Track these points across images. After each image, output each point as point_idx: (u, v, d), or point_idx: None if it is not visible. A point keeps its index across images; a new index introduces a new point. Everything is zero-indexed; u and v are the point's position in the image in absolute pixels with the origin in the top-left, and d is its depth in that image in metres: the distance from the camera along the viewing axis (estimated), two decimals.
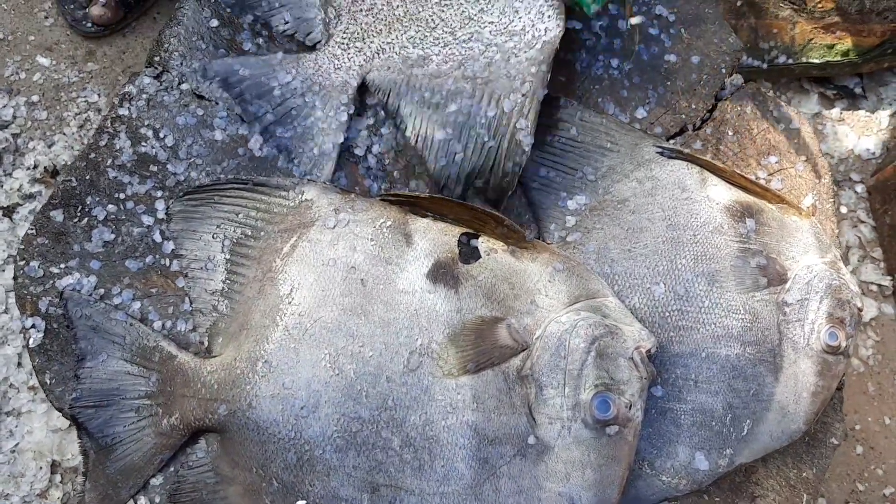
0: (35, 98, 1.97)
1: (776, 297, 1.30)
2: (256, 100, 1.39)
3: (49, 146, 1.94)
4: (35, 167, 1.91)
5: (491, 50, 1.38)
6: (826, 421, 1.39)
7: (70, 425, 1.72)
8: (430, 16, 1.41)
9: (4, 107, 1.95)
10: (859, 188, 2.10)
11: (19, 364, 1.77)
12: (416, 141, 1.38)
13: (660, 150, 1.38)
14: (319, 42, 1.45)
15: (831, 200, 1.47)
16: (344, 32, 1.42)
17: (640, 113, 1.47)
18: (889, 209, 2.00)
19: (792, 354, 1.29)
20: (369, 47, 1.42)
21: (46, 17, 2.04)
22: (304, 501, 1.18)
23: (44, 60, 2.01)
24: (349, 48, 1.42)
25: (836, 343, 1.29)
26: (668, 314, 1.30)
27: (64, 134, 1.95)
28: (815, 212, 1.44)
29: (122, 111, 1.37)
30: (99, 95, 1.99)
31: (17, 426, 1.73)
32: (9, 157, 1.92)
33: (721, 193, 1.35)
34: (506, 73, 1.36)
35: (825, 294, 1.30)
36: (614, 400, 1.18)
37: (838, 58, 2.06)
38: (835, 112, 2.19)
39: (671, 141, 1.46)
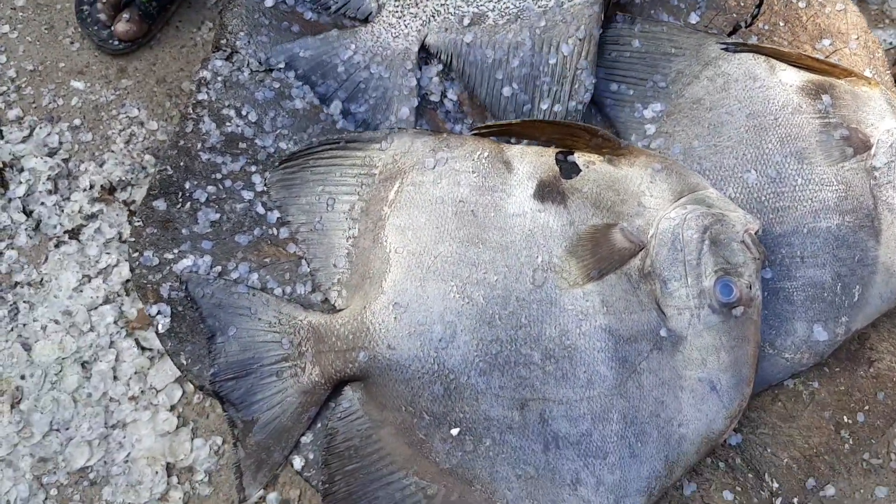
0: (77, 122, 1.99)
1: (864, 164, 1.34)
2: (323, 79, 1.41)
3: (100, 165, 1.95)
4: (91, 187, 1.93)
5: None
6: None
7: (177, 427, 1.74)
8: None
9: (49, 134, 1.97)
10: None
11: (115, 378, 1.79)
12: (484, 99, 1.41)
13: (724, 46, 1.42)
14: (371, 13, 1.47)
15: (888, 73, 1.51)
16: (395, 0, 1.45)
17: (693, 18, 1.50)
18: None
19: (888, 216, 1.33)
20: (424, 11, 1.44)
21: (72, 43, 2.06)
22: (458, 429, 1.21)
23: (78, 84, 2.02)
24: (404, 15, 1.44)
25: None
26: (763, 198, 1.34)
27: (112, 151, 1.97)
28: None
29: (202, 96, 1.40)
30: (139, 109, 2.01)
31: (125, 437, 1.75)
32: (63, 181, 1.94)
33: (792, 76, 1.39)
34: (561, 19, 1.39)
35: None
36: (735, 282, 1.22)
37: None
38: None
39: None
